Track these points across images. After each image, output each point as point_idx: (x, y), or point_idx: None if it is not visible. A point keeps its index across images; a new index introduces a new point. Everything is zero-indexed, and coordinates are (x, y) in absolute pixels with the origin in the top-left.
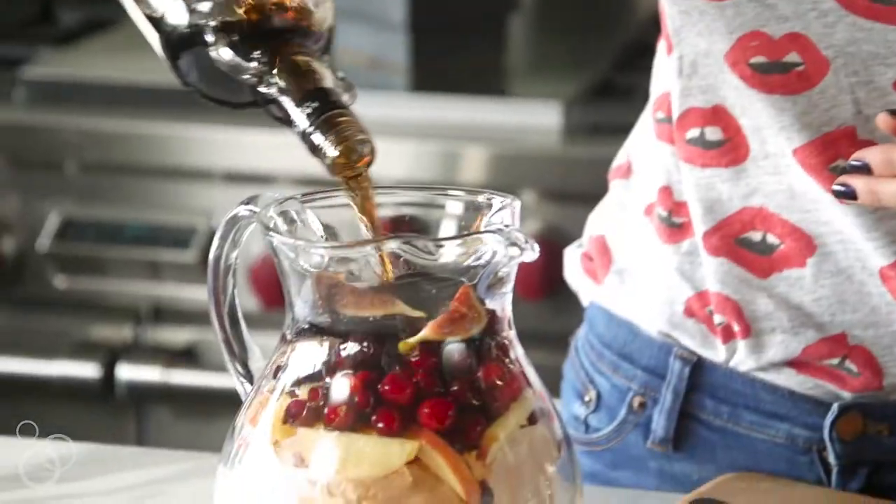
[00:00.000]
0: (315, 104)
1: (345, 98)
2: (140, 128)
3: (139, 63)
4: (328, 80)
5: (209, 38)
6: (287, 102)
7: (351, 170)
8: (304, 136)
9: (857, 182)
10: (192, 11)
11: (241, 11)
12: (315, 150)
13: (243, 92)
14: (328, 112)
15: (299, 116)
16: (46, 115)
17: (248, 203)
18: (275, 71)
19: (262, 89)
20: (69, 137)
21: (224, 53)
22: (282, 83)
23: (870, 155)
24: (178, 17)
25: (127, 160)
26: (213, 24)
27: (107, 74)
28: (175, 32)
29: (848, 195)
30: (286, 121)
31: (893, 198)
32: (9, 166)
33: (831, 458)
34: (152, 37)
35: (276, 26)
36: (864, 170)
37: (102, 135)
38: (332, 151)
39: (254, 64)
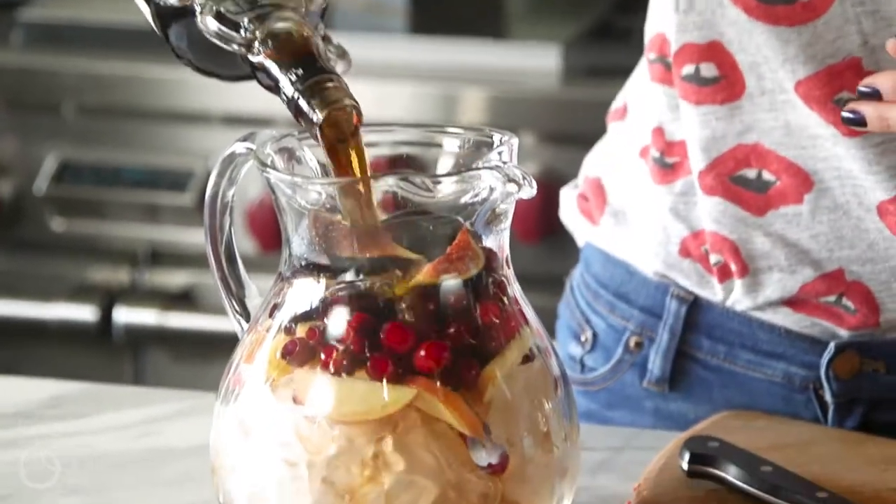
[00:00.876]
0: (300, 70)
1: (339, 66)
2: (138, 70)
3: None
4: (317, 47)
5: (196, 7)
6: (273, 69)
7: (336, 135)
8: (290, 102)
9: (867, 108)
10: None
11: None
12: (301, 114)
13: (235, 64)
14: (314, 77)
15: (285, 82)
16: (44, 58)
17: (244, 140)
18: (262, 38)
19: (251, 58)
20: (67, 80)
21: (210, 23)
22: (269, 50)
23: (880, 81)
24: None
25: (125, 103)
26: None
27: (105, 17)
28: (165, 3)
29: (857, 122)
30: (275, 89)
31: None
32: (6, 109)
33: (828, 397)
34: (144, 8)
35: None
36: (874, 96)
37: (100, 77)
38: (316, 116)
39: (241, 32)
